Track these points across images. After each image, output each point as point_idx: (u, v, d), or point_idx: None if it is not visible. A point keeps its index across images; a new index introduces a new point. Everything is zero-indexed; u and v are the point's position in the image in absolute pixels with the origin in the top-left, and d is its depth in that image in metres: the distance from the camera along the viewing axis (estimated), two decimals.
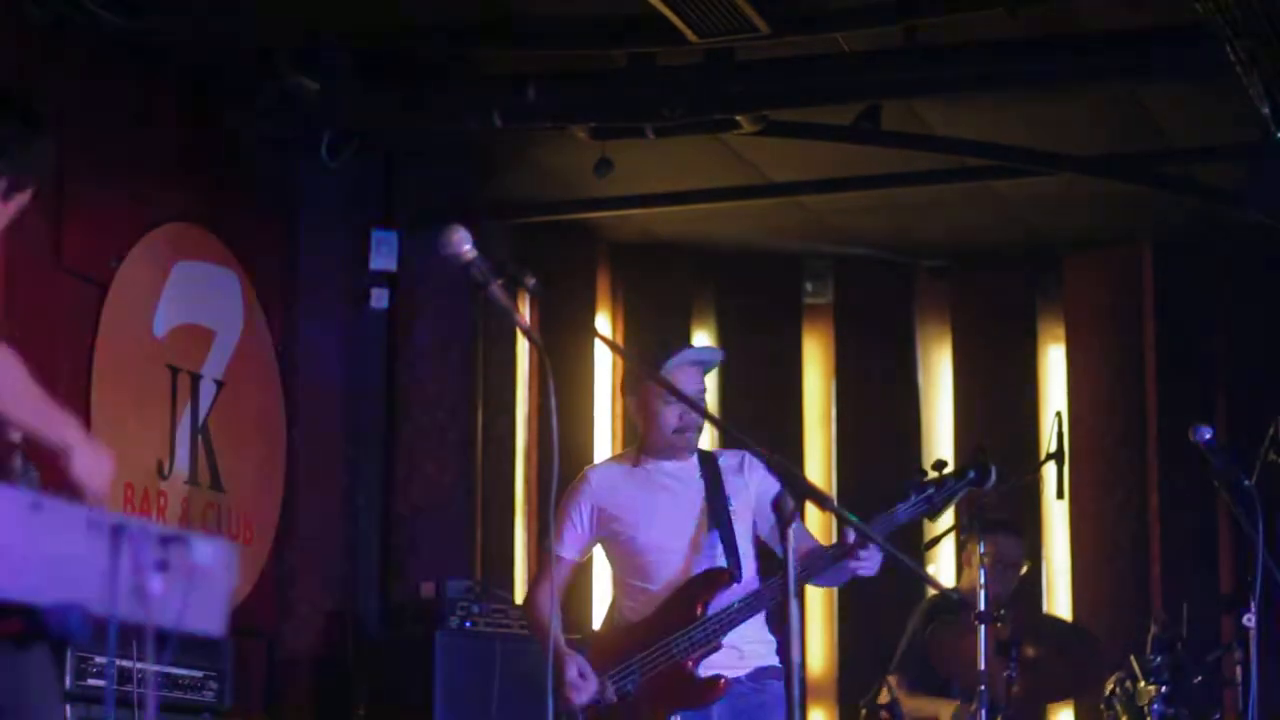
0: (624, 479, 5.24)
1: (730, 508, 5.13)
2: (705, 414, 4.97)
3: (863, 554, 4.90)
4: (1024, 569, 7.14)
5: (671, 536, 5.14)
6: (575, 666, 5.07)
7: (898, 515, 5.00)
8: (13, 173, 3.67)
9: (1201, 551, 8.14)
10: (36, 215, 5.00)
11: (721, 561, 5.09)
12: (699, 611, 5.03)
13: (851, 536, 4.89)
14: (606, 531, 5.20)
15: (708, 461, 5.23)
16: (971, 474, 5.04)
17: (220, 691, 5.99)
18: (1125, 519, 8.39)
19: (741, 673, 5.06)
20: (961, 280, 8.93)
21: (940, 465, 5.11)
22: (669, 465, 5.22)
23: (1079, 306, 8.71)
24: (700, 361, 5.25)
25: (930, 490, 5.04)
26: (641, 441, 5.28)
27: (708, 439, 5.65)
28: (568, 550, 5.21)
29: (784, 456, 3.23)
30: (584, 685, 5.04)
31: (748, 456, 5.23)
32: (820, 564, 4.99)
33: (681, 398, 3.43)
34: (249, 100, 6.74)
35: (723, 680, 5.00)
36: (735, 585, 5.05)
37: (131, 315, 6.37)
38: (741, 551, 5.11)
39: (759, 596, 5.01)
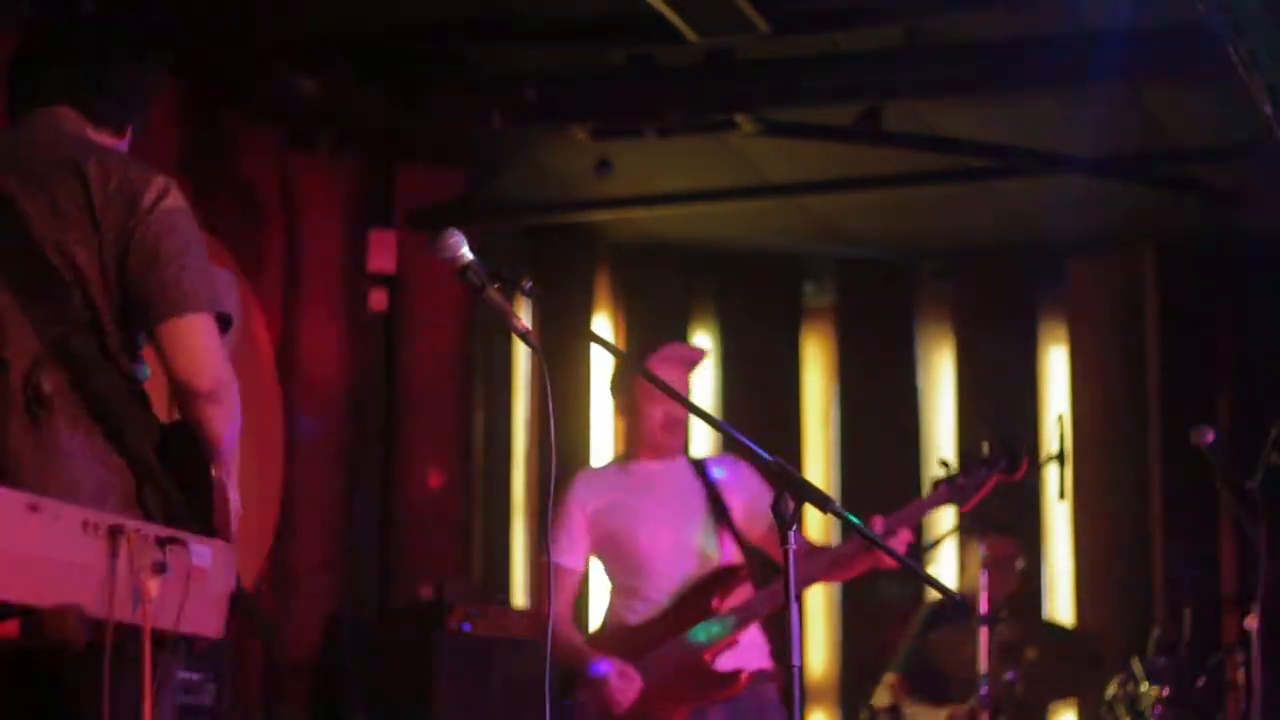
0: (616, 482, 5.21)
1: (729, 509, 5.12)
2: (691, 407, 4.97)
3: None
4: (1019, 565, 7.12)
5: (673, 536, 5.10)
6: (615, 666, 4.96)
7: (924, 505, 4.98)
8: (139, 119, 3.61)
9: (1204, 554, 8.11)
10: None
11: (733, 559, 5.07)
12: (715, 606, 5.00)
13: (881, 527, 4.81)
14: (604, 536, 5.16)
15: (699, 467, 5.23)
16: (1002, 461, 5.01)
17: (218, 694, 5.97)
18: (1127, 521, 8.36)
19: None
20: (962, 281, 8.90)
21: (970, 455, 5.10)
22: (658, 466, 5.18)
23: (1081, 308, 8.69)
24: (685, 359, 5.23)
25: (958, 477, 5.01)
26: (629, 442, 5.25)
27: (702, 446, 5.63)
28: (570, 559, 5.17)
29: (784, 457, 3.20)
30: (627, 686, 4.98)
31: (736, 463, 5.23)
32: (841, 559, 4.93)
33: (667, 390, 3.40)
34: (249, 100, 6.73)
35: (744, 672, 4.95)
36: (748, 582, 5.02)
37: None
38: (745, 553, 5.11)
39: (773, 595, 4.94)
